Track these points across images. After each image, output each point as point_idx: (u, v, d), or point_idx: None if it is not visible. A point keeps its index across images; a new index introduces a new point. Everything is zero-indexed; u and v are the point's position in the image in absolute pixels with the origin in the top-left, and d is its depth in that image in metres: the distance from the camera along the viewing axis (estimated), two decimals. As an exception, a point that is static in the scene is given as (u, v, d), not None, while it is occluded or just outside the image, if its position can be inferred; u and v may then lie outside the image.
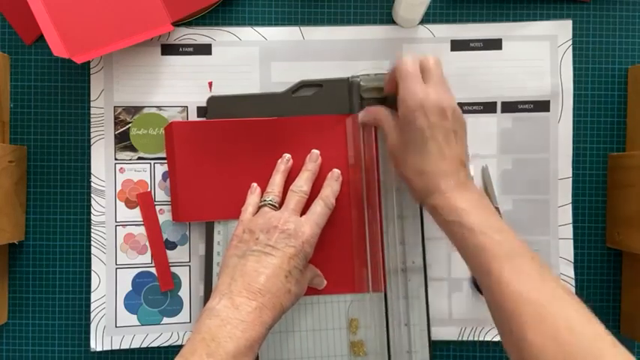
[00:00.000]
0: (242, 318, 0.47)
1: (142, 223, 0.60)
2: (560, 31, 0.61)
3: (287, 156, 0.58)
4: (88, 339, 0.61)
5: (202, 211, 0.59)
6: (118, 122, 0.60)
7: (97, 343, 0.60)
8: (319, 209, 0.55)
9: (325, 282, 0.59)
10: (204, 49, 0.60)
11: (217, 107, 0.59)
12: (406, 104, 0.50)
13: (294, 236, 0.52)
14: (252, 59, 0.60)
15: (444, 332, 0.61)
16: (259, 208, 0.56)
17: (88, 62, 0.60)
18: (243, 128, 0.59)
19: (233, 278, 0.50)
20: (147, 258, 0.60)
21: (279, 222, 0.52)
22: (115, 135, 0.60)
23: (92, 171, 0.60)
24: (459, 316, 0.61)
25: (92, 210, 0.60)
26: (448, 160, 0.49)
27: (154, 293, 0.60)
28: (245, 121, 0.59)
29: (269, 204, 0.55)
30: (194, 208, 0.59)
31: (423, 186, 0.50)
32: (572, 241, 0.60)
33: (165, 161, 0.60)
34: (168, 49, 0.60)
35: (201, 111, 0.60)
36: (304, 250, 0.52)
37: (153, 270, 0.60)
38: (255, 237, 0.52)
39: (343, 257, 0.59)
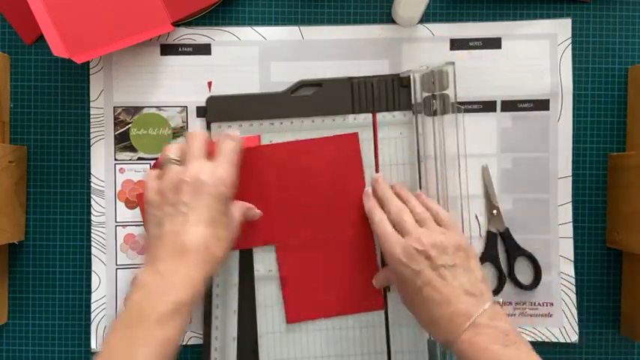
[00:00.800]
0: (167, 283, 0.45)
1: (142, 223, 0.60)
2: (559, 29, 0.61)
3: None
4: (88, 339, 0.61)
5: None
6: (117, 122, 0.60)
7: (97, 344, 0.60)
8: (230, 146, 0.52)
9: (260, 212, 0.57)
10: (204, 49, 0.60)
11: (216, 107, 0.59)
12: (387, 260, 0.53)
13: (206, 183, 0.49)
14: (252, 59, 0.60)
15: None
16: (163, 169, 0.52)
17: (88, 62, 0.60)
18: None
19: (155, 246, 0.48)
20: (147, 258, 0.60)
21: (185, 174, 0.49)
22: (114, 135, 0.60)
23: (92, 171, 0.60)
24: (459, 315, 0.61)
25: (92, 210, 0.60)
26: (454, 300, 0.48)
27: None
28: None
29: (172, 161, 0.51)
30: None
31: (439, 337, 0.49)
32: (572, 240, 0.60)
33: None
34: (168, 49, 0.60)
35: (200, 111, 0.60)
36: (220, 192, 0.49)
37: (153, 270, 0.60)
38: (166, 198, 0.49)
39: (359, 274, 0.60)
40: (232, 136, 0.53)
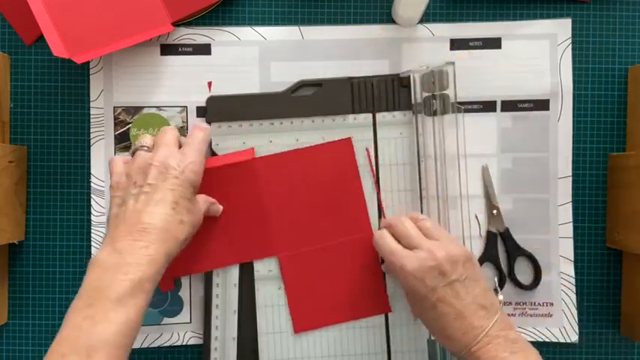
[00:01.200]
0: (125, 261, 0.45)
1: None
2: (559, 29, 0.61)
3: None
4: (87, 339, 0.61)
5: (193, 264, 0.58)
6: (117, 122, 0.60)
7: (96, 343, 0.60)
8: (199, 136, 0.53)
9: (221, 208, 0.58)
10: (204, 49, 0.60)
11: (216, 107, 0.59)
12: (398, 278, 0.52)
13: (173, 167, 0.49)
14: (252, 59, 0.60)
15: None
16: (133, 155, 0.53)
17: (88, 62, 0.60)
18: (225, 174, 0.58)
19: (115, 226, 0.48)
20: (147, 258, 0.60)
21: (153, 159, 0.50)
22: (114, 135, 0.60)
23: (92, 171, 0.60)
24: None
25: (92, 210, 0.60)
26: (468, 315, 0.48)
27: (155, 293, 0.60)
28: (223, 167, 0.58)
29: (143, 148, 0.52)
30: (184, 264, 0.58)
31: (451, 348, 0.50)
32: (572, 240, 0.60)
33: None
34: (168, 49, 0.60)
35: (200, 111, 0.60)
36: (187, 178, 0.50)
37: (153, 270, 0.60)
38: (132, 181, 0.49)
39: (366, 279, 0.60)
40: (201, 127, 0.55)
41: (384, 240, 0.53)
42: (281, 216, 0.59)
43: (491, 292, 0.51)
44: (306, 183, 0.59)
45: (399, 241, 0.53)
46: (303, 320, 0.59)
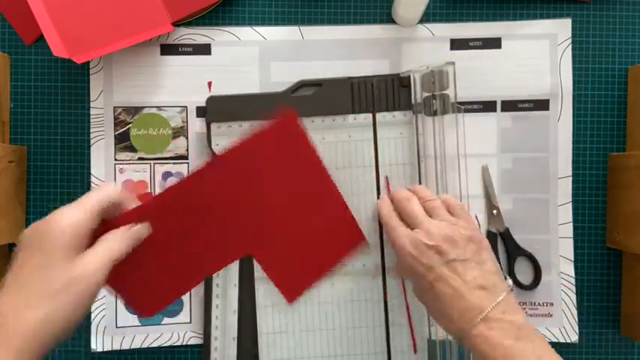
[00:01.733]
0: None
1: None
2: (559, 29, 0.61)
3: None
4: (88, 339, 0.61)
5: (174, 291, 0.56)
6: (117, 122, 0.60)
7: (97, 344, 0.60)
8: (94, 193, 0.47)
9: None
10: (204, 49, 0.60)
11: (216, 107, 0.59)
12: (396, 253, 0.51)
13: (26, 236, 0.47)
14: (252, 59, 0.60)
15: (444, 331, 0.61)
16: None
17: (88, 62, 0.60)
18: (172, 195, 0.52)
19: None
20: (147, 258, 0.60)
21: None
22: (114, 135, 0.60)
23: (92, 171, 0.60)
24: (459, 315, 0.61)
25: (92, 210, 0.60)
26: (466, 294, 0.47)
27: (154, 293, 0.60)
28: (171, 188, 0.52)
29: None
30: (155, 298, 0.55)
31: (451, 331, 0.48)
32: (572, 240, 0.60)
33: (166, 161, 0.60)
34: (168, 49, 0.60)
35: (200, 111, 0.60)
36: (39, 245, 0.46)
37: (153, 270, 0.60)
38: None
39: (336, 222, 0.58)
40: (108, 186, 0.49)
41: (389, 216, 0.53)
42: (246, 214, 0.55)
43: (498, 275, 0.49)
44: (261, 174, 0.54)
45: (402, 218, 0.53)
46: (292, 289, 0.58)
